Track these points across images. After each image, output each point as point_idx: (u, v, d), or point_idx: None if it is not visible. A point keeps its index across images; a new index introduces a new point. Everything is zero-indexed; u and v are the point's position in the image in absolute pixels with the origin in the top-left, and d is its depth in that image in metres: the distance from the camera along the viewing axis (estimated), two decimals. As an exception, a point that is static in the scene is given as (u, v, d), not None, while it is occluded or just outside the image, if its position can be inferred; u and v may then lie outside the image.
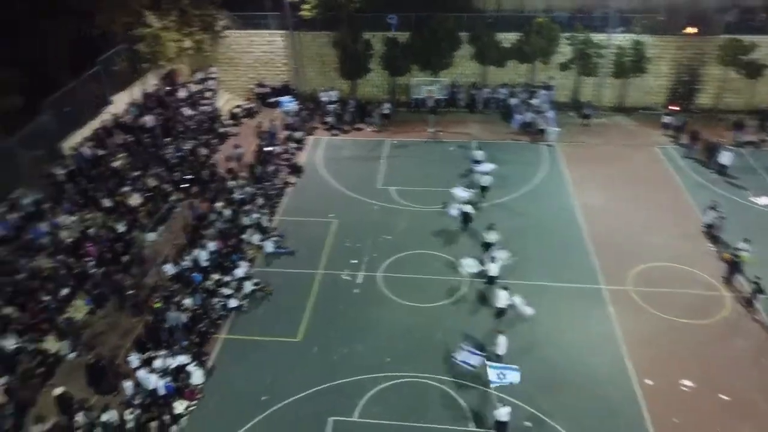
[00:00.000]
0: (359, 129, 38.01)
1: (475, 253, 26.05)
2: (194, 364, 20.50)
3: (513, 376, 18.71)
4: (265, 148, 33.43)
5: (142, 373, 19.74)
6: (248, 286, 24.09)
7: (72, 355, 20.57)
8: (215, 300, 23.31)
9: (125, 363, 20.54)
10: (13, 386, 18.58)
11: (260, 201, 29.16)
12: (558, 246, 26.72)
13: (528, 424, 18.81)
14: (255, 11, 39.73)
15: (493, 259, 24.23)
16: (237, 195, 29.28)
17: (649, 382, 20.11)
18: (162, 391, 19.50)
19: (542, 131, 35.63)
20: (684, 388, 19.92)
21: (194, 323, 22.13)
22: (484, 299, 23.74)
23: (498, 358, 20.45)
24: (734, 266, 24.07)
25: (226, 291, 23.71)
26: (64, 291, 21.89)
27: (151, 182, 28.88)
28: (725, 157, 31.64)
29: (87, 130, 29.85)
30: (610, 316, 22.95)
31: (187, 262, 24.79)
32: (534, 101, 37.43)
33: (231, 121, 37.76)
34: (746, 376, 20.24)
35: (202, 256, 25.01)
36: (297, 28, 38.87)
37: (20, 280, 21.48)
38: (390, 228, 28.18)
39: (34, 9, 29.52)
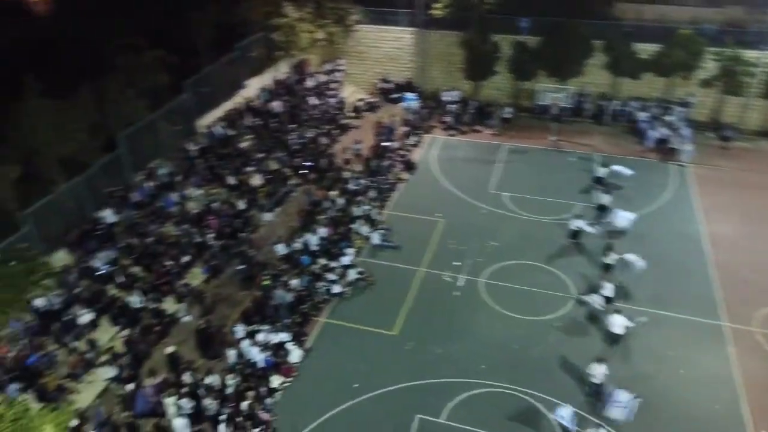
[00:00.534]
0: (477, 131, 37.63)
1: (588, 270, 25.12)
2: (294, 342, 21.36)
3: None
4: (383, 143, 33.97)
5: (245, 344, 20.83)
6: (352, 274, 24.66)
7: (187, 318, 22.12)
8: (320, 284, 24.08)
9: (231, 332, 21.77)
10: (133, 339, 20.31)
11: (372, 194, 29.73)
12: (678, 274, 25.03)
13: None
14: (387, 8, 40.43)
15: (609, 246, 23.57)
16: (351, 186, 30.04)
17: (765, 433, 18.43)
18: (261, 364, 20.49)
19: (674, 150, 33.46)
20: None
21: (298, 304, 23.00)
22: (591, 320, 22.74)
23: (595, 388, 19.48)
24: None
25: (331, 276, 24.41)
26: (185, 258, 23.55)
27: (273, 165, 30.32)
28: None
29: (220, 111, 31.91)
30: (729, 356, 21.20)
31: (297, 245, 25.80)
32: (668, 118, 35.21)
33: (353, 114, 38.75)
34: None
35: (313, 240, 25.91)
36: (426, 26, 39.08)
37: (149, 244, 23.37)
38: (497, 234, 27.70)
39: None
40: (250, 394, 18.89)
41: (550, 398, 19.54)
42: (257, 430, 18.16)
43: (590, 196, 29.83)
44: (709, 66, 35.64)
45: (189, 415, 18.22)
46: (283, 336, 21.27)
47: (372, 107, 39.89)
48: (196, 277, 23.62)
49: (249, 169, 29.17)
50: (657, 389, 19.92)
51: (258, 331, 21.30)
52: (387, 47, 41.47)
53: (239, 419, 18.05)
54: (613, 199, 28.68)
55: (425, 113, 38.30)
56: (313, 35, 37.38)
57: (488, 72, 39.28)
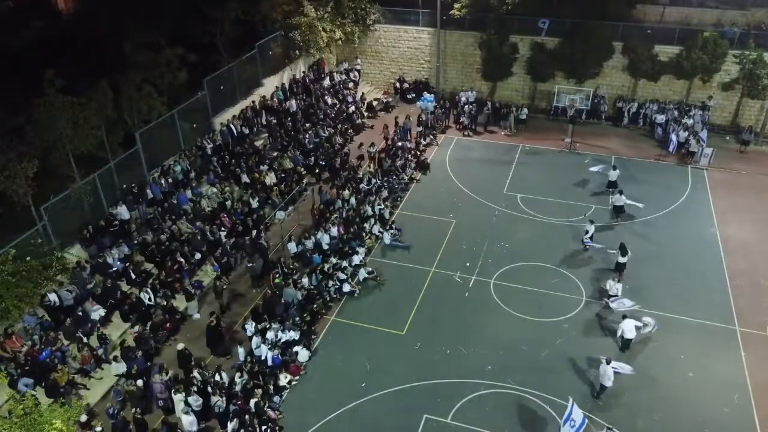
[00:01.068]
0: (493, 132, 37.48)
1: (599, 273, 24.98)
2: (302, 341, 21.49)
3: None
4: (397, 143, 34.00)
5: (255, 342, 21.02)
6: (362, 273, 24.75)
7: (197, 316, 22.41)
8: (330, 283, 24.19)
9: (242, 330, 21.99)
10: (143, 336, 20.61)
11: (385, 193, 29.78)
12: (691, 277, 24.75)
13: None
14: (406, 7, 40.42)
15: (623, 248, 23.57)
16: (364, 185, 30.13)
17: (776, 440, 18.19)
18: (270, 362, 20.66)
19: (692, 154, 33.02)
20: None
21: (308, 302, 23.14)
22: (601, 323, 22.59)
23: (603, 390, 19.48)
24: None
25: (342, 276, 24.52)
26: (197, 255, 23.83)
27: (287, 164, 30.53)
28: None
29: (237, 109, 32.17)
30: (742, 361, 20.92)
31: (309, 243, 25.96)
32: (687, 121, 34.76)
33: (368, 113, 38.83)
34: None
35: (325, 239, 26.05)
36: (444, 26, 39.02)
37: (162, 241, 23.70)
38: (509, 235, 27.61)
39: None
40: (258, 392, 19.05)
41: (557, 400, 19.45)
42: (264, 428, 18.30)
43: (605, 198, 29.51)
44: (730, 69, 35.12)
45: (197, 412, 18.43)
46: (293, 334, 21.41)
47: (387, 107, 39.97)
48: (207, 274, 23.91)
49: (263, 167, 29.41)
50: (667, 392, 19.78)
51: (268, 329, 21.45)
52: (404, 47, 41.48)
53: (247, 417, 18.21)
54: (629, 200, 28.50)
55: (440, 113, 38.24)
56: (332, 34, 37.60)
57: (505, 73, 39.15)
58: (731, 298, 23.66)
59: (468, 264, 25.81)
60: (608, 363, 19.30)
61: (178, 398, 18.54)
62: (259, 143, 31.62)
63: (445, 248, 26.90)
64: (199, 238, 24.63)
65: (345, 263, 25.06)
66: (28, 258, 17.97)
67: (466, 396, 19.81)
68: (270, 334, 21.18)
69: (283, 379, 20.19)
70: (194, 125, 29.60)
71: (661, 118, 35.68)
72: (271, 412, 18.86)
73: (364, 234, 27.06)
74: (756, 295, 23.75)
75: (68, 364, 19.40)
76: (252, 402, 18.67)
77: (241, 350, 20.82)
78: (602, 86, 37.92)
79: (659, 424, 18.80)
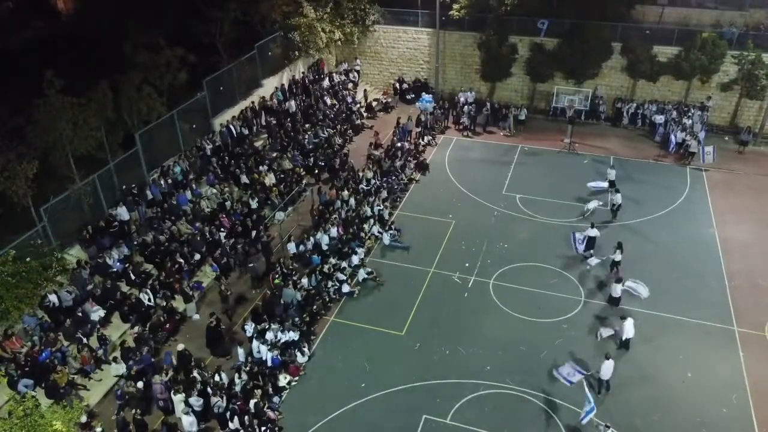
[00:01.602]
0: (492, 132, 37.54)
1: (598, 272, 25.07)
2: (302, 341, 21.52)
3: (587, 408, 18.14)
4: (397, 144, 34.04)
5: (254, 343, 21.04)
6: (361, 274, 24.79)
7: (196, 317, 22.44)
8: (330, 283, 24.23)
9: (241, 331, 22.02)
10: (143, 336, 20.64)
11: (384, 194, 29.81)
12: (690, 278, 24.81)
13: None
14: (405, 8, 40.45)
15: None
16: (363, 186, 30.16)
17: (774, 440, 18.25)
18: (270, 363, 20.69)
19: (692, 154, 33.08)
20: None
21: (307, 303, 23.17)
22: (600, 323, 22.64)
23: (601, 384, 19.62)
24: None
25: (341, 276, 24.55)
26: (197, 256, 23.86)
27: (287, 164, 30.57)
28: None
29: (237, 109, 32.20)
30: (740, 361, 20.99)
31: (309, 244, 25.98)
32: (686, 121, 34.82)
33: (367, 114, 38.88)
34: None
35: (324, 240, 26.08)
36: (444, 27, 39.06)
37: (161, 241, 23.72)
38: (508, 236, 27.66)
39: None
40: (258, 392, 19.09)
41: (556, 400, 19.60)
42: (264, 428, 18.34)
43: (603, 198, 29.55)
44: (729, 69, 35.19)
45: (197, 412, 18.47)
46: (292, 335, 21.44)
47: (386, 107, 40.00)
48: (207, 275, 23.94)
49: (262, 168, 29.44)
50: (666, 392, 19.85)
51: (267, 330, 21.48)
52: (403, 48, 41.51)
53: (246, 417, 18.25)
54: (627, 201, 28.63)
55: (439, 114, 38.29)
56: (331, 35, 37.64)
57: (504, 73, 39.20)
58: (730, 298, 23.72)
59: (467, 264, 25.86)
60: (608, 359, 19.49)
61: (178, 399, 18.59)
62: (258, 144, 31.66)
63: (444, 249, 26.95)
64: (198, 238, 24.67)
65: (344, 264, 25.11)
66: (28, 259, 17.98)
67: (466, 396, 19.87)
68: (269, 335, 21.21)
69: (283, 379, 20.23)
70: (194, 126, 29.64)
71: (660, 119, 35.75)
72: (270, 413, 18.91)
73: (363, 235, 27.10)
74: (754, 295, 23.81)
75: (68, 365, 19.43)
76: (252, 402, 18.72)
77: (240, 351, 20.87)
78: (600, 87, 37.97)
79: (658, 423, 18.87)
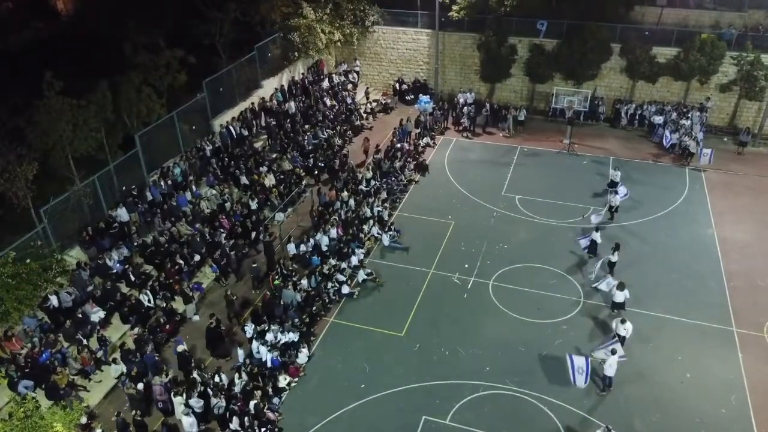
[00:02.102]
0: (491, 133, 37.59)
1: (597, 274, 25.03)
2: (302, 342, 21.55)
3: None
4: (396, 144, 34.07)
5: (254, 344, 21.08)
6: (361, 275, 24.83)
7: (196, 318, 22.46)
8: (329, 284, 24.26)
9: (241, 331, 22.06)
10: (143, 338, 20.66)
11: (384, 195, 29.84)
12: (689, 279, 24.87)
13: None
14: (405, 9, 40.49)
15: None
16: (363, 187, 30.20)
17: (773, 441, 18.31)
18: (269, 364, 20.72)
19: (690, 155, 33.14)
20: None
21: (307, 304, 23.20)
22: (599, 324, 22.70)
23: (604, 380, 19.73)
24: None
25: (341, 277, 24.58)
26: (197, 257, 23.89)
27: (286, 165, 30.59)
28: None
29: (236, 110, 32.22)
30: (739, 362, 21.04)
31: (309, 245, 26.00)
32: (685, 122, 34.89)
33: (367, 115, 38.89)
34: None
35: (324, 241, 26.10)
36: (443, 27, 39.10)
37: (161, 242, 23.74)
38: (508, 237, 27.71)
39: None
40: (258, 393, 19.12)
41: (555, 401, 19.63)
42: (264, 429, 18.37)
43: (603, 199, 29.60)
44: (728, 70, 35.26)
45: (197, 414, 18.49)
46: (292, 336, 21.47)
47: (386, 108, 40.03)
48: (206, 276, 23.96)
49: (262, 169, 29.46)
50: (665, 393, 19.91)
51: (267, 331, 21.51)
52: (403, 48, 41.54)
53: (246, 418, 18.27)
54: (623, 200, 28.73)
55: (439, 115, 38.32)
56: (330, 36, 37.66)
57: (504, 74, 39.24)
58: (728, 299, 23.78)
59: (467, 265, 25.91)
60: (614, 354, 19.56)
61: (178, 400, 18.61)
62: (258, 145, 31.68)
63: (443, 250, 26.98)
64: (198, 239, 24.69)
65: (344, 265, 25.14)
66: (28, 260, 17.99)
67: (465, 397, 19.91)
68: (269, 336, 21.24)
69: (283, 380, 20.26)
70: (193, 127, 29.66)
71: (659, 120, 35.81)
72: (270, 414, 18.94)
73: (363, 235, 27.14)
74: (753, 295, 23.87)
75: (69, 366, 19.46)
76: (251, 403, 18.74)
77: (240, 352, 20.89)
78: (599, 88, 38.02)
79: (657, 424, 18.92)
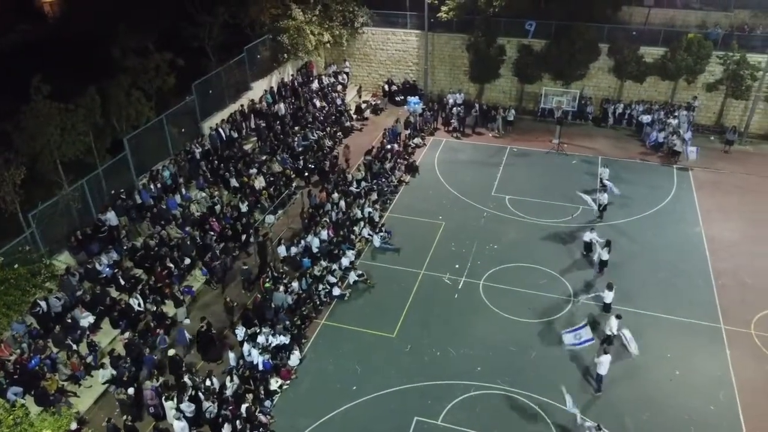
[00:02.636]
0: (480, 134, 37.72)
1: (587, 273, 25.29)
2: (293, 345, 21.53)
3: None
4: (387, 146, 34.11)
5: (245, 346, 21.04)
6: (352, 277, 24.85)
7: (187, 321, 22.38)
8: (320, 286, 24.25)
9: (232, 335, 22.01)
10: (132, 342, 20.58)
11: (374, 196, 29.87)
12: (677, 277, 25.06)
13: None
14: (394, 10, 40.55)
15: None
16: (354, 188, 30.21)
17: (761, 437, 18.50)
18: (261, 367, 20.69)
19: (677, 153, 33.41)
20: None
21: (298, 306, 23.19)
22: (589, 323, 22.74)
23: (598, 379, 19.89)
24: None
25: (332, 279, 24.58)
26: (187, 260, 23.81)
27: (276, 167, 30.55)
28: None
29: (226, 113, 32.15)
30: (727, 359, 21.22)
31: (299, 247, 25.97)
32: (672, 121, 35.18)
33: (356, 116, 38.94)
34: None
35: (315, 242, 26.09)
36: (432, 28, 39.20)
37: (151, 246, 23.65)
38: (498, 237, 27.82)
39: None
40: (249, 396, 19.09)
41: (546, 400, 19.71)
42: (255, 432, 18.39)
43: (593, 198, 29.72)
44: (714, 70, 35.57)
45: (188, 418, 18.44)
46: (283, 338, 21.45)
47: (375, 109, 40.06)
48: (197, 279, 23.89)
49: (252, 171, 29.41)
50: (655, 391, 20.06)
51: (258, 333, 21.48)
52: (392, 49, 41.61)
53: (238, 422, 18.25)
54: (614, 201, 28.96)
55: (429, 115, 38.41)
56: (320, 37, 37.66)
57: (493, 75, 39.39)
58: (716, 296, 23.98)
59: (457, 266, 25.99)
60: (606, 353, 19.71)
61: (169, 405, 18.55)
62: (248, 147, 31.63)
63: (434, 250, 27.05)
64: (188, 243, 24.62)
65: (335, 266, 25.14)
66: (16, 265, 17.90)
67: (457, 397, 19.96)
68: (261, 339, 21.21)
69: (274, 383, 20.22)
70: (183, 130, 29.56)
71: (647, 119, 36.08)
72: (262, 417, 18.91)
73: (353, 237, 27.16)
74: (741, 293, 24.08)
75: (59, 371, 19.34)
76: (243, 407, 18.71)
77: (231, 355, 20.85)
78: (587, 87, 38.24)
79: (647, 422, 19.05)
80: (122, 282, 22.66)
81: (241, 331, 21.48)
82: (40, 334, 20.14)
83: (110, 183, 24.93)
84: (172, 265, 23.43)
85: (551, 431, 18.85)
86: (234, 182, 28.60)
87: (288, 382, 20.63)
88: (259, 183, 29.05)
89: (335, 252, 25.93)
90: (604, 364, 19.67)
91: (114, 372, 19.65)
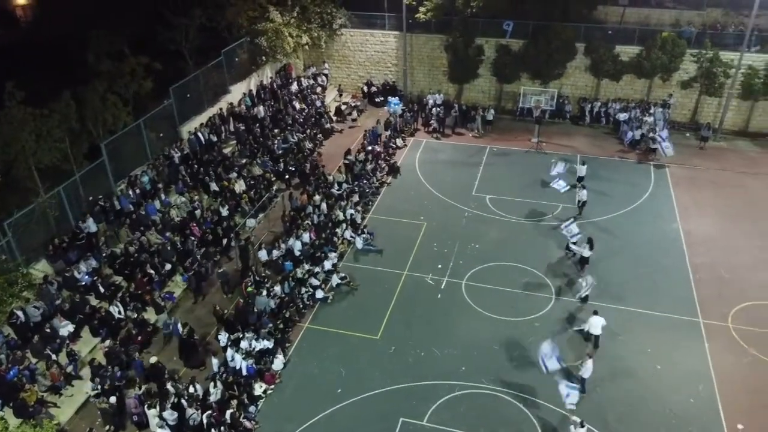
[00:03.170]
0: (460, 134, 37.90)
1: (568, 270, 25.55)
2: (277, 349, 21.43)
3: (573, 397, 18.67)
4: (367, 147, 34.11)
5: (229, 351, 20.89)
6: (335, 279, 24.81)
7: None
8: (303, 290, 24.17)
9: (215, 341, 21.84)
10: (114, 350, 20.33)
11: (356, 198, 29.85)
12: (656, 272, 25.40)
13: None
14: (372, 11, 40.57)
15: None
16: (335, 190, 30.16)
17: (740, 427, 18.80)
18: (245, 372, 20.57)
19: (653, 150, 33.89)
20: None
21: (280, 310, 23.08)
22: (570, 320, 23.07)
23: (582, 381, 19.95)
24: None
25: (315, 282, 24.51)
26: (167, 266, 23.58)
27: (257, 171, 30.39)
28: None
29: (204, 116, 31.91)
30: (705, 352, 21.56)
31: (281, 251, 25.85)
32: (648, 119, 35.67)
33: (337, 118, 38.89)
34: None
35: (297, 246, 25.99)
36: (411, 29, 39.29)
37: (131, 252, 23.38)
38: (479, 236, 27.96)
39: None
40: (234, 402, 18.96)
41: (530, 398, 19.87)
42: (240, 437, 18.26)
43: (572, 196, 29.99)
44: (688, 67, 36.15)
45: (171, 426, 18.26)
46: (266, 343, 21.33)
47: (356, 111, 40.02)
48: (178, 285, 23.67)
49: (232, 175, 29.22)
50: (636, 385, 20.31)
51: (241, 339, 21.35)
52: (371, 51, 41.63)
53: (222, 428, 18.12)
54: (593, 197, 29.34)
55: (408, 116, 38.48)
56: (298, 39, 37.56)
57: (472, 75, 39.60)
58: (694, 291, 24.35)
59: (440, 266, 26.08)
60: (590, 357, 19.89)
61: (152, 413, 18.36)
62: (227, 150, 31.42)
63: (416, 251, 27.12)
64: (168, 248, 24.39)
65: (318, 269, 25.08)
66: (-8, 275, 17.64)
67: (442, 397, 20.02)
68: (244, 344, 21.08)
69: (258, 388, 20.11)
70: (161, 134, 29.28)
71: (623, 116, 36.54)
72: (247, 423, 18.78)
73: (336, 239, 27.11)
74: (718, 287, 24.48)
75: (38, 382, 19.03)
76: (227, 413, 18.58)
77: (215, 361, 20.70)
78: (565, 86, 38.62)
79: (628, 416, 19.26)
80: (102, 289, 22.37)
81: (224, 337, 21.32)
82: (18, 344, 19.81)
83: (88, 189, 24.62)
84: (152, 272, 23.18)
85: (536, 429, 18.98)
86: (214, 186, 28.40)
87: (272, 386, 20.53)
88: (240, 186, 28.88)
89: (317, 255, 25.86)
90: (588, 368, 19.78)
91: (98, 387, 19.30)
